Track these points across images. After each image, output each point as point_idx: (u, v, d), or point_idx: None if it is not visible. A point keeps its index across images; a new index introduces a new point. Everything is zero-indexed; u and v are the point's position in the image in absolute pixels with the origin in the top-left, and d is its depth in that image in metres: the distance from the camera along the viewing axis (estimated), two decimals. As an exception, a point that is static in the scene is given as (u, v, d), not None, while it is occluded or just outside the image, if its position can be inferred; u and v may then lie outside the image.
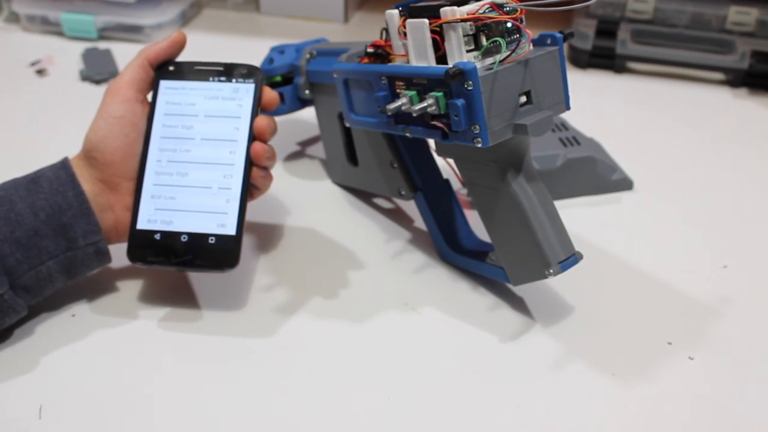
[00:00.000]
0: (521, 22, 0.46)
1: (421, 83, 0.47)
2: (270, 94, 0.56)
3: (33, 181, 0.51)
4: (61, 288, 0.52)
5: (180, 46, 0.56)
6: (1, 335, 0.51)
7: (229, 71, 0.55)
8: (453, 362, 0.51)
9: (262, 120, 0.54)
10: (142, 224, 0.52)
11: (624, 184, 0.69)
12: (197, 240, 0.52)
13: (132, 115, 0.53)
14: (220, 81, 0.55)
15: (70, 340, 0.51)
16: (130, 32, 0.96)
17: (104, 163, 0.52)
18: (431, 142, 0.58)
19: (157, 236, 0.52)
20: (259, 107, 0.55)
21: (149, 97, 0.55)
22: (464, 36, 0.45)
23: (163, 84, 0.55)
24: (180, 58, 0.57)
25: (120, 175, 0.53)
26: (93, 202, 0.51)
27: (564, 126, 0.71)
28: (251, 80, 0.55)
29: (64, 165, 0.52)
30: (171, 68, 0.56)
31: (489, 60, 0.46)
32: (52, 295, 0.52)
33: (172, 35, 0.56)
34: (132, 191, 0.53)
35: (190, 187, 0.53)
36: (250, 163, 0.53)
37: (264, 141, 0.54)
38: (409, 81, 0.48)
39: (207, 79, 0.55)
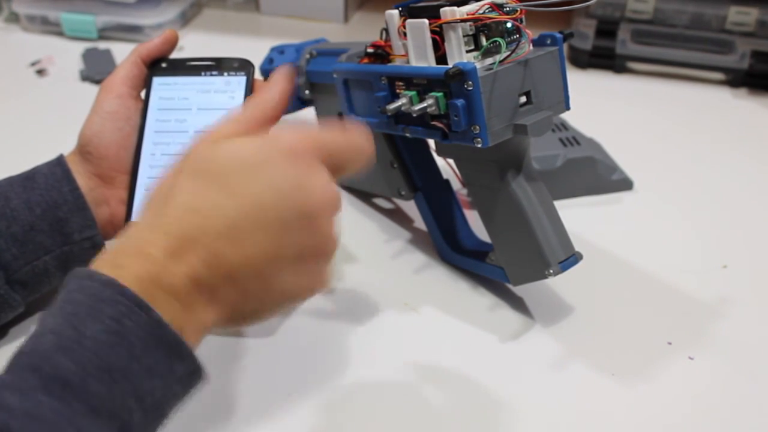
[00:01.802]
0: (521, 22, 0.46)
1: (421, 83, 0.47)
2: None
3: (28, 177, 0.51)
4: (59, 286, 0.52)
5: (172, 43, 0.56)
6: None
7: (220, 65, 0.56)
8: (453, 362, 0.51)
9: None
10: (137, 216, 0.52)
11: (624, 184, 0.69)
12: None
13: (125, 109, 0.53)
14: (211, 75, 0.55)
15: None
16: (130, 32, 0.96)
17: (99, 158, 0.52)
18: (431, 142, 0.58)
19: None
20: None
21: (143, 94, 0.56)
22: (464, 36, 0.45)
23: (156, 80, 0.55)
24: (180, 58, 0.57)
25: (115, 168, 0.53)
26: (88, 197, 0.51)
27: (564, 126, 0.71)
28: (242, 73, 0.55)
29: (59, 161, 0.52)
30: (164, 65, 0.56)
31: (489, 60, 0.46)
32: (51, 295, 0.52)
33: (164, 33, 0.56)
34: (127, 185, 0.53)
35: None
36: None
37: None
38: (409, 81, 0.48)
39: (199, 74, 0.56)
